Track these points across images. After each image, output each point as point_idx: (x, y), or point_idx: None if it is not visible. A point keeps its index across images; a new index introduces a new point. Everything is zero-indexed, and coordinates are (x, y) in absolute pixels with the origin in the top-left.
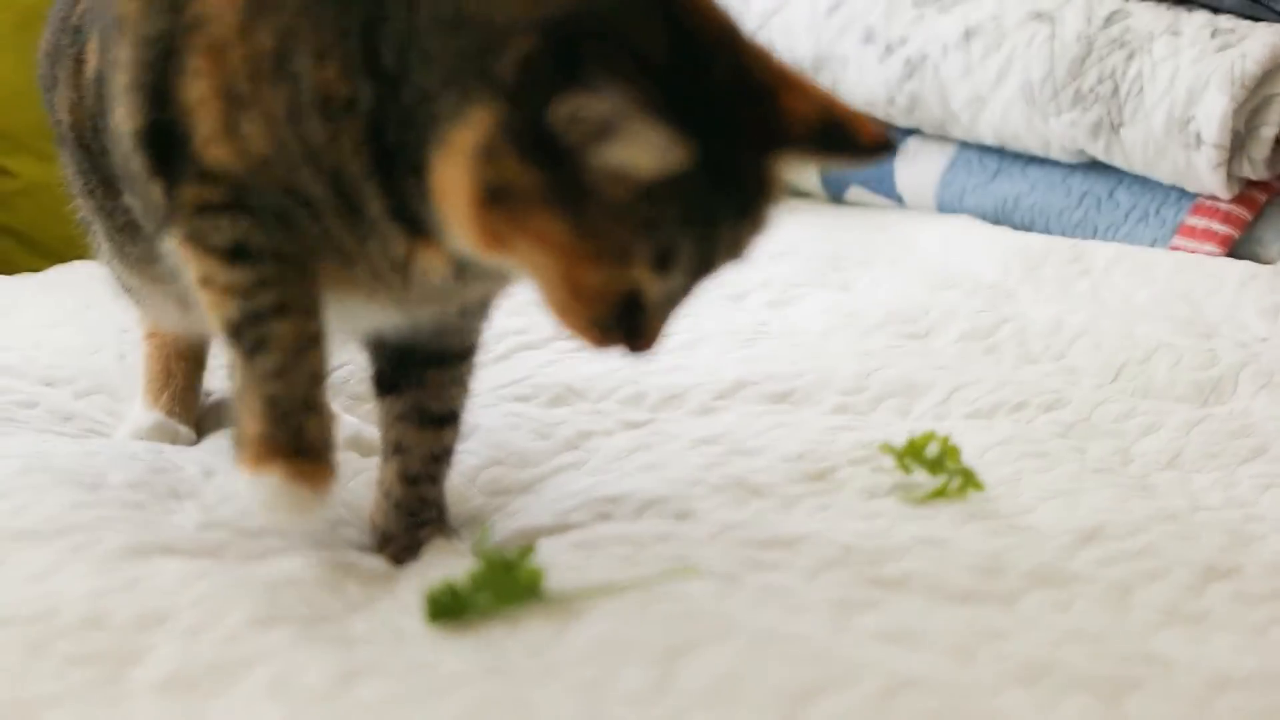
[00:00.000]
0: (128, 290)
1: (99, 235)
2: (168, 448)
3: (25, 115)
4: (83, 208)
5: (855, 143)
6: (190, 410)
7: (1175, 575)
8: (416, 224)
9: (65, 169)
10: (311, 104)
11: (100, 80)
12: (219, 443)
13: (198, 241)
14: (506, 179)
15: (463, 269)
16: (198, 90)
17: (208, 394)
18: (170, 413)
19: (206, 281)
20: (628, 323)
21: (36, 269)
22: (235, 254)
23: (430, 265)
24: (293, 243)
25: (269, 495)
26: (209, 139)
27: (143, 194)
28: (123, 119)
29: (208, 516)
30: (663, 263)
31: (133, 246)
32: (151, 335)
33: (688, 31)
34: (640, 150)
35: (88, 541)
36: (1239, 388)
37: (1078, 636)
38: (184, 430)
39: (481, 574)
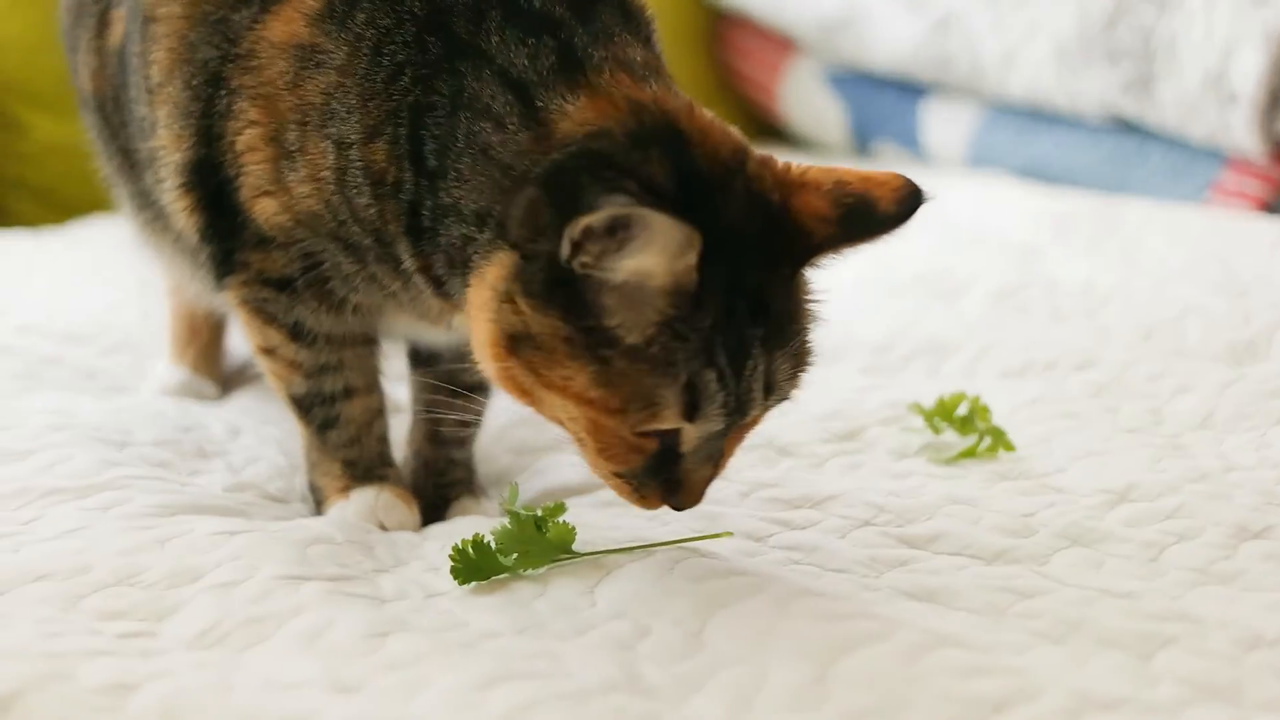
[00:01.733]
0: (148, 248)
1: (120, 196)
2: (194, 405)
3: (44, 71)
4: (104, 168)
5: (878, 218)
6: (215, 367)
7: (1207, 535)
8: (442, 289)
9: (88, 131)
10: (361, 178)
11: (124, 54)
12: (244, 401)
13: (259, 311)
14: (525, 326)
15: None
16: (248, 137)
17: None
18: (195, 369)
19: (269, 351)
20: (665, 475)
21: (56, 224)
22: (297, 331)
23: (457, 320)
24: (347, 325)
25: (364, 508)
26: (258, 189)
27: (185, 230)
28: (166, 145)
29: (236, 477)
30: (693, 405)
31: (150, 213)
32: (174, 292)
33: (695, 165)
34: (654, 248)
35: (118, 500)
36: (1272, 348)
37: (1108, 595)
38: (209, 387)
39: (510, 532)
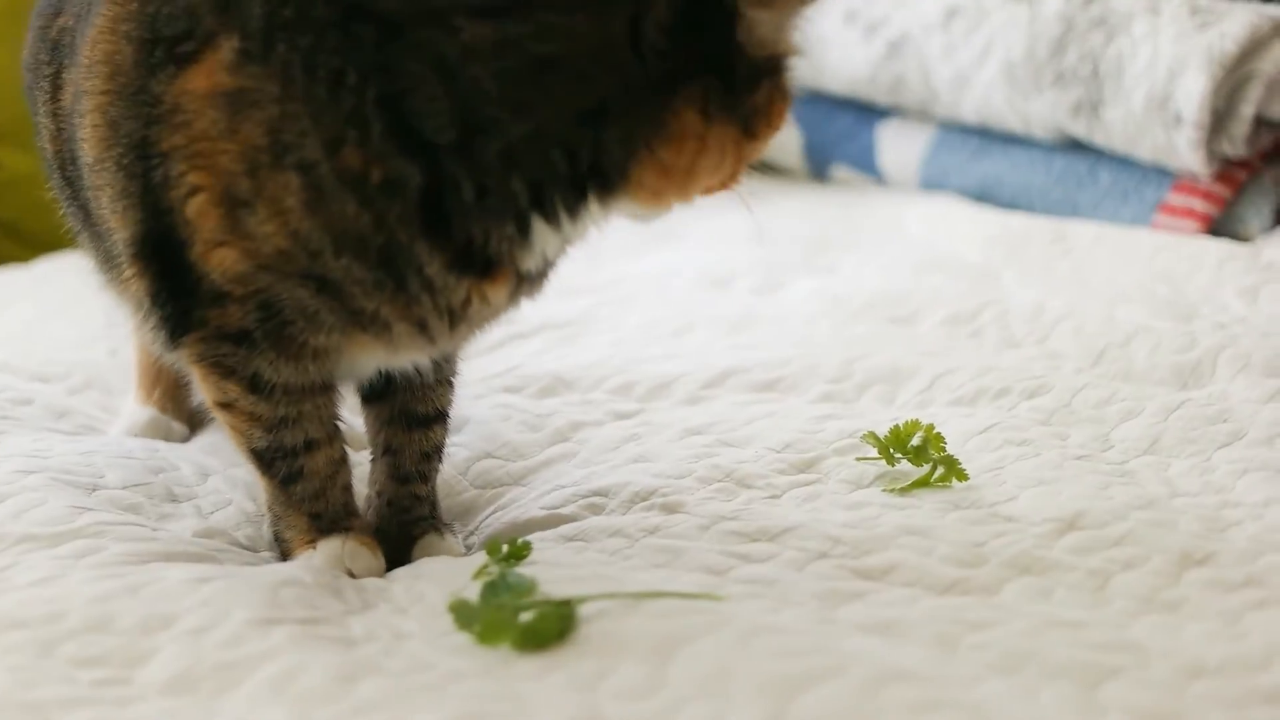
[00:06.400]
0: (114, 297)
1: (85, 251)
2: (162, 445)
3: (11, 107)
4: (71, 224)
5: None
6: (183, 405)
7: (1152, 563)
8: (487, 264)
9: (52, 189)
10: (337, 189)
11: (75, 115)
12: (212, 439)
13: (215, 365)
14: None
15: (520, 290)
16: (195, 203)
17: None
18: (163, 409)
19: (227, 406)
20: None
21: (23, 259)
22: (255, 384)
23: (495, 295)
24: (306, 374)
25: (331, 556)
26: (211, 243)
27: (137, 296)
28: (113, 225)
29: (205, 523)
30: None
31: (116, 272)
32: (139, 330)
33: None
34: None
35: (91, 548)
36: (1217, 371)
37: (1057, 625)
38: (177, 426)
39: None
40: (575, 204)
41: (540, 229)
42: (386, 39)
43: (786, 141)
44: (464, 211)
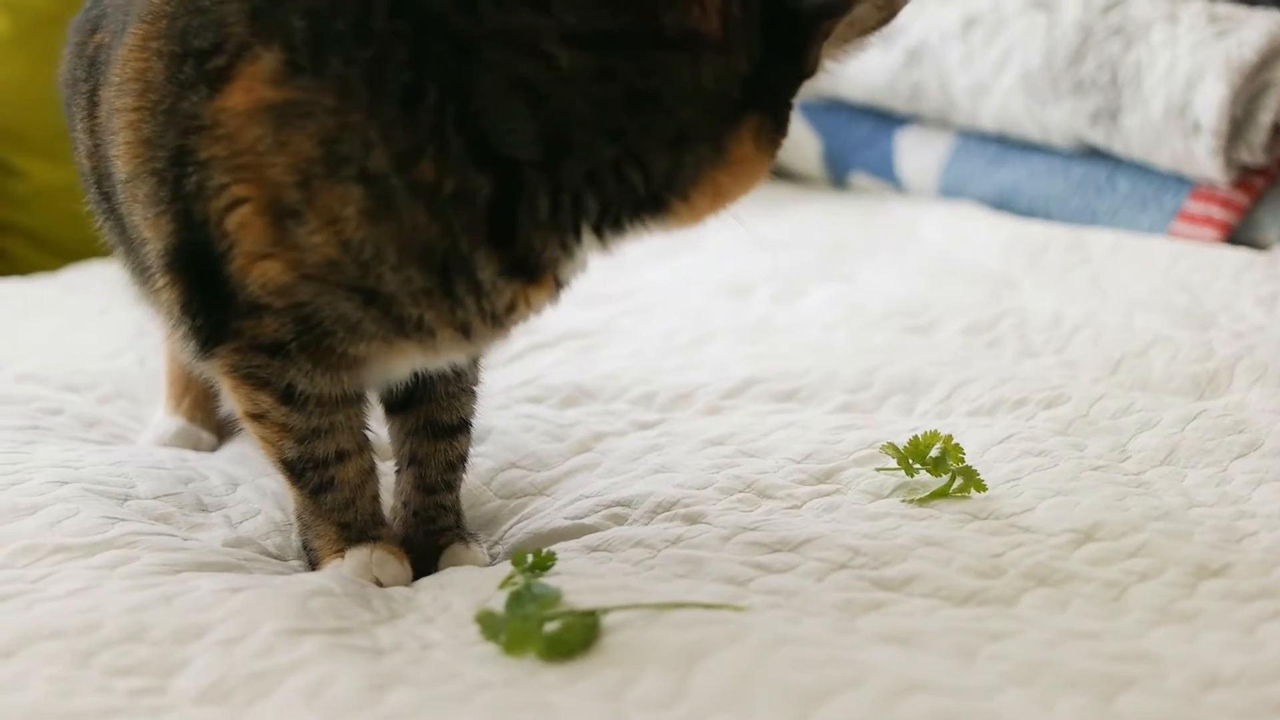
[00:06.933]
0: (148, 308)
1: (121, 263)
2: (191, 455)
3: (36, 118)
4: (107, 238)
5: None
6: (212, 415)
7: (1168, 574)
8: (536, 269)
9: (89, 203)
10: (407, 200)
11: (109, 132)
12: (241, 448)
13: (249, 377)
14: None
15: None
16: (238, 215)
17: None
18: (192, 419)
19: (259, 417)
20: None
21: (50, 268)
22: (288, 395)
23: (538, 299)
24: (341, 385)
25: (359, 565)
26: (254, 255)
27: (168, 306)
28: (147, 236)
29: (234, 532)
30: None
31: (149, 285)
32: (170, 340)
33: None
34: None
35: (124, 558)
36: (1234, 380)
37: (1073, 636)
38: (206, 436)
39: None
40: (628, 220)
41: (589, 240)
42: (464, 57)
43: (806, 148)
44: (533, 222)
